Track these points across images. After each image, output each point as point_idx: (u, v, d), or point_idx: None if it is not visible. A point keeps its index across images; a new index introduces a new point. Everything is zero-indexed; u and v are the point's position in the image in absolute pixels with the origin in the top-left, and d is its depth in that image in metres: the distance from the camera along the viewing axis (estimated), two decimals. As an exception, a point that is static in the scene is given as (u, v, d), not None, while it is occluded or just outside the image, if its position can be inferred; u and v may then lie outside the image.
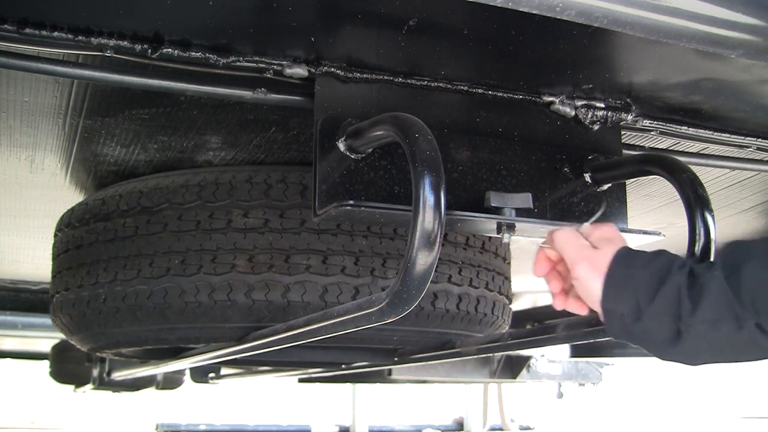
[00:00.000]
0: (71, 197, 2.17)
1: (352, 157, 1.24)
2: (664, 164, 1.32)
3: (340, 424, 7.91)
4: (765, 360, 1.14)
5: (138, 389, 4.58)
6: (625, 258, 1.19)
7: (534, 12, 0.94)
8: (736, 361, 1.26)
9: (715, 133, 1.56)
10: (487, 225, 1.32)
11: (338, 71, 1.29)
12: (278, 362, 2.59)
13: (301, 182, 1.69)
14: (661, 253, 1.19)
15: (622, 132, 1.53)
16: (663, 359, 1.22)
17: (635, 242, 1.43)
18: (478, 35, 1.20)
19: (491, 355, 3.72)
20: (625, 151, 1.53)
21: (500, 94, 1.38)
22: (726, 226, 2.48)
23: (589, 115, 1.42)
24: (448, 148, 1.32)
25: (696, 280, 1.10)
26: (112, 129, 1.67)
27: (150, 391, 4.66)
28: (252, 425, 7.88)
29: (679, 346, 1.13)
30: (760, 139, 1.61)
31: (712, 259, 1.25)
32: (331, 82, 1.29)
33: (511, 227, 1.31)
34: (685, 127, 1.54)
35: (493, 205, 1.28)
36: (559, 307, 1.29)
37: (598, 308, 1.19)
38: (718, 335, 1.08)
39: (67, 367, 4.52)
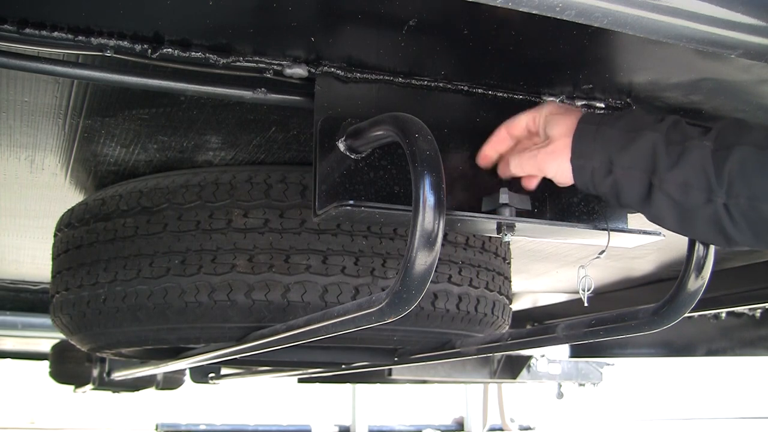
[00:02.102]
0: (71, 197, 2.17)
1: (352, 157, 1.24)
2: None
3: (340, 424, 7.92)
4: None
5: (138, 389, 4.58)
6: (592, 116, 1.17)
7: (534, 12, 0.94)
8: (695, 238, 1.22)
9: (715, 133, 1.56)
10: (487, 225, 1.32)
11: (338, 71, 1.29)
12: (278, 362, 2.59)
13: (301, 182, 1.69)
14: (631, 111, 1.15)
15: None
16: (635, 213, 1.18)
17: (635, 242, 1.43)
18: (478, 35, 1.20)
19: (491, 355, 3.72)
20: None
21: (500, 94, 1.38)
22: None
23: (589, 115, 1.42)
24: (448, 148, 1.32)
25: (679, 140, 1.09)
26: (112, 129, 1.67)
27: (150, 391, 4.67)
28: (252, 425, 7.89)
29: (651, 205, 1.11)
30: (760, 139, 1.60)
31: None
32: (331, 82, 1.29)
33: (511, 227, 1.31)
34: (685, 127, 1.53)
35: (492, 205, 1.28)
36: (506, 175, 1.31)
37: (568, 179, 1.18)
38: (687, 201, 1.07)
39: (67, 367, 4.52)
